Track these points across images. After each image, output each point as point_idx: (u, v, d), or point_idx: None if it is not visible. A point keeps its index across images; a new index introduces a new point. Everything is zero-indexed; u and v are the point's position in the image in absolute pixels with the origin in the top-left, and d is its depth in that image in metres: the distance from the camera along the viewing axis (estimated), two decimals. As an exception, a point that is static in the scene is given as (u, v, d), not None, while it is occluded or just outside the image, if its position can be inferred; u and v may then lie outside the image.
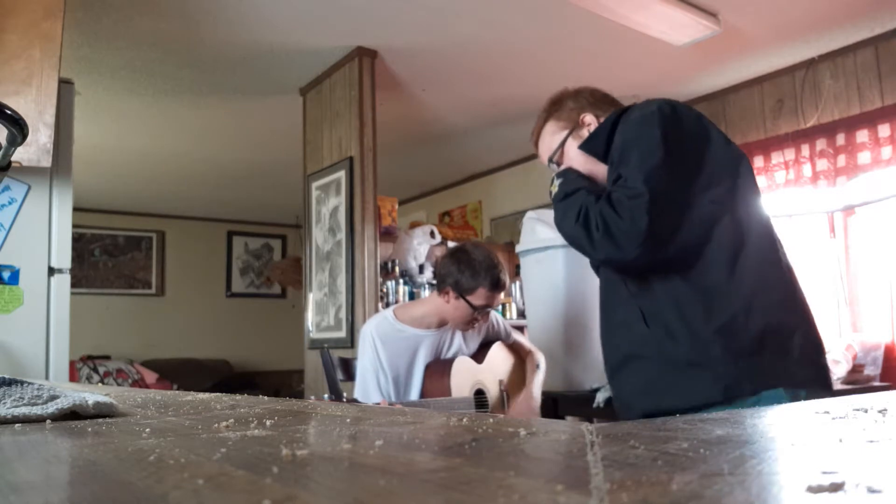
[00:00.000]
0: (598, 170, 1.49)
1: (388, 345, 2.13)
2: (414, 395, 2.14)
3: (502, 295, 2.16)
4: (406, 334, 2.16)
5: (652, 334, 1.34)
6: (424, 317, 2.18)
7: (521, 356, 2.38)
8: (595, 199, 1.34)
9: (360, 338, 2.22)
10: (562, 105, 1.59)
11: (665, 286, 1.33)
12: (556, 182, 1.51)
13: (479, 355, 2.26)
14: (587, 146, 1.49)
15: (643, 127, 1.34)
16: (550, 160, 1.60)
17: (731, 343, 1.27)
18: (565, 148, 1.56)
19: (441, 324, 2.20)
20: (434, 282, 4.15)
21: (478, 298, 2.09)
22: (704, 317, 1.29)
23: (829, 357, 3.22)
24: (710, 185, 1.33)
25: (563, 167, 1.56)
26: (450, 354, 2.22)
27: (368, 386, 2.10)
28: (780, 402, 1.23)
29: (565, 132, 1.57)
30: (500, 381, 2.28)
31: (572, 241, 1.40)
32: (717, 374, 1.26)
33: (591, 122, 1.55)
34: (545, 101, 1.64)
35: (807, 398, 1.25)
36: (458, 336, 2.24)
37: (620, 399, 1.46)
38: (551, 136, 1.60)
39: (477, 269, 2.09)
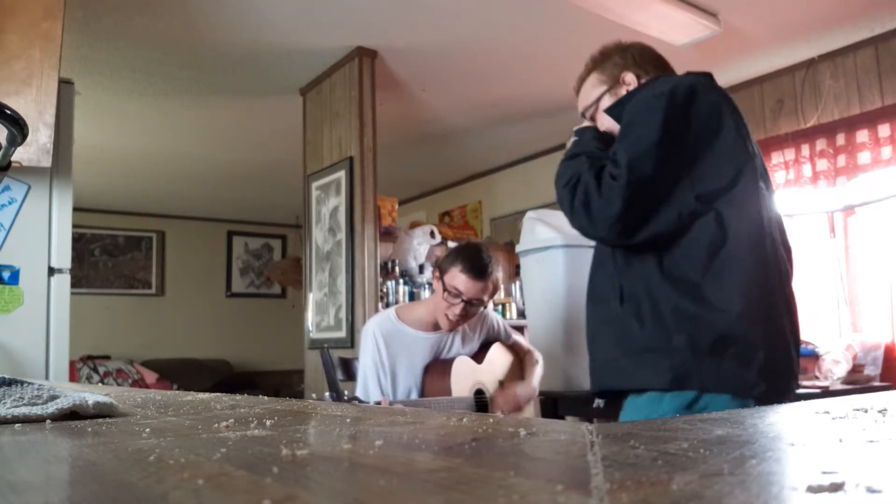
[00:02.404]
0: None
1: (389, 343, 2.13)
2: (413, 396, 2.13)
3: (478, 290, 2.06)
4: (407, 334, 2.16)
5: (623, 313, 1.36)
6: (425, 317, 2.18)
7: (519, 356, 2.38)
8: (590, 167, 1.35)
9: (362, 335, 2.21)
10: (608, 59, 1.57)
11: (642, 268, 1.35)
12: (572, 139, 1.52)
13: (478, 356, 2.26)
14: (612, 111, 1.47)
15: (648, 107, 1.33)
16: (583, 114, 1.59)
17: (693, 336, 1.27)
18: (599, 104, 1.55)
19: (440, 325, 2.20)
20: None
21: (451, 278, 2.06)
22: (672, 304, 1.29)
23: (829, 357, 3.24)
24: (701, 179, 1.31)
25: (583, 125, 1.56)
26: (450, 355, 2.21)
27: (369, 383, 2.10)
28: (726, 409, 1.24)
29: (603, 88, 1.55)
30: (500, 382, 2.28)
31: (559, 201, 1.42)
32: (673, 362, 1.27)
33: (630, 81, 1.52)
34: (595, 51, 1.62)
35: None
36: (458, 337, 2.24)
37: (590, 369, 1.48)
38: (590, 89, 1.58)
39: (460, 251, 2.11)
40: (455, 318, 2.10)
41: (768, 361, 1.28)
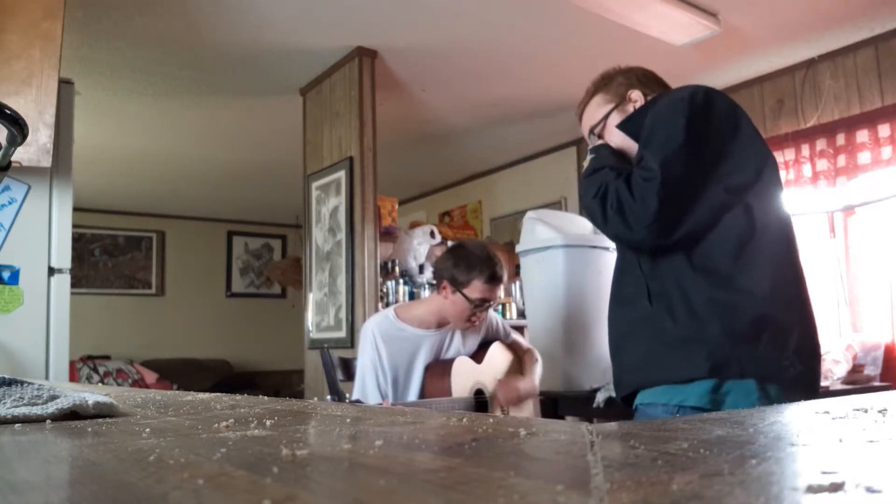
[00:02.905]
0: (635, 149, 1.50)
1: (389, 343, 2.13)
2: (412, 395, 2.13)
3: (500, 291, 2.16)
4: (407, 334, 2.16)
5: (654, 312, 1.37)
6: (425, 316, 2.18)
7: (519, 355, 2.38)
8: (616, 176, 1.38)
9: (360, 335, 2.21)
10: (612, 80, 1.62)
11: (671, 265, 1.36)
12: (589, 158, 1.55)
13: (478, 355, 2.26)
14: (625, 126, 1.50)
15: (670, 112, 1.37)
16: (591, 132, 1.62)
17: (728, 324, 1.29)
18: (608, 122, 1.58)
19: (441, 324, 2.20)
20: (434, 282, 4.17)
21: (473, 291, 2.09)
22: (705, 296, 1.31)
23: (829, 357, 3.24)
24: (728, 175, 1.35)
25: (597, 143, 1.59)
26: (449, 355, 2.21)
27: (367, 384, 2.10)
28: (749, 394, 1.25)
29: (610, 106, 1.59)
30: (500, 381, 2.28)
31: (588, 214, 1.44)
32: (709, 351, 1.29)
33: (637, 98, 1.56)
34: (596, 76, 1.66)
35: (780, 398, 1.26)
36: (458, 336, 2.24)
37: (616, 375, 1.49)
38: (596, 109, 1.62)
39: (472, 261, 2.10)
40: (478, 320, 2.18)
41: (802, 342, 1.32)
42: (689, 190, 1.33)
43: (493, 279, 2.10)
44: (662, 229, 1.32)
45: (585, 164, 1.55)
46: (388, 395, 2.09)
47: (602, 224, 1.40)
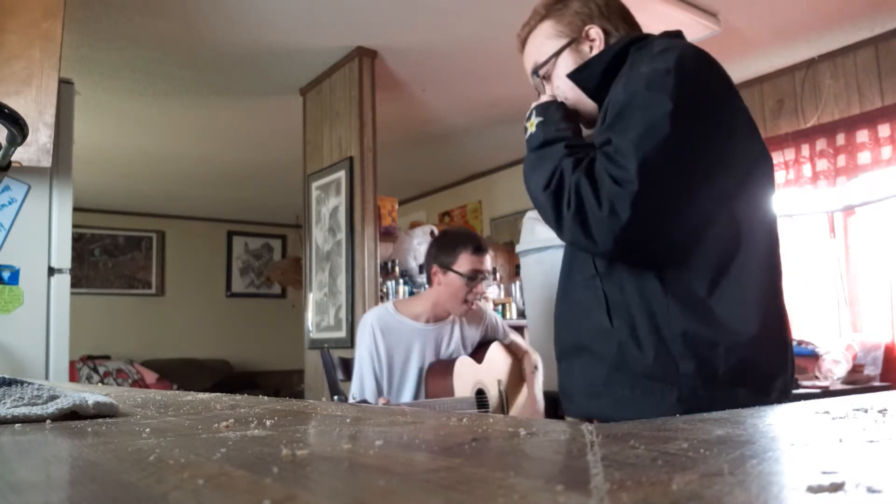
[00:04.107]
0: (588, 105, 1.24)
1: (386, 334, 2.14)
2: (408, 388, 2.14)
3: (488, 262, 2.17)
4: (405, 326, 2.17)
5: (614, 332, 1.13)
6: (422, 310, 2.21)
7: (517, 356, 2.39)
8: (574, 162, 1.09)
9: (359, 327, 2.22)
10: (566, 6, 1.29)
11: (636, 279, 1.12)
12: (535, 119, 1.23)
13: (477, 355, 2.26)
14: (577, 76, 1.22)
15: (652, 90, 1.06)
16: (535, 72, 1.32)
17: (705, 364, 1.07)
18: (558, 61, 1.27)
19: (439, 318, 2.22)
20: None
21: (463, 265, 2.12)
22: (680, 327, 1.07)
23: (829, 357, 3.24)
24: (717, 173, 1.09)
25: (545, 99, 1.28)
26: (450, 350, 2.22)
27: (364, 374, 2.11)
28: None
29: (562, 42, 1.27)
30: (499, 381, 2.29)
31: (537, 205, 1.15)
32: (682, 394, 1.07)
33: (596, 37, 1.26)
34: None
35: None
36: (458, 331, 2.25)
37: (564, 390, 1.26)
38: (545, 41, 1.30)
39: (455, 239, 2.16)
40: (475, 298, 2.19)
41: (784, 387, 1.13)
42: (672, 197, 1.06)
43: (479, 249, 2.14)
44: (632, 244, 1.06)
45: (529, 125, 1.23)
46: (384, 387, 2.10)
47: (555, 226, 1.12)
